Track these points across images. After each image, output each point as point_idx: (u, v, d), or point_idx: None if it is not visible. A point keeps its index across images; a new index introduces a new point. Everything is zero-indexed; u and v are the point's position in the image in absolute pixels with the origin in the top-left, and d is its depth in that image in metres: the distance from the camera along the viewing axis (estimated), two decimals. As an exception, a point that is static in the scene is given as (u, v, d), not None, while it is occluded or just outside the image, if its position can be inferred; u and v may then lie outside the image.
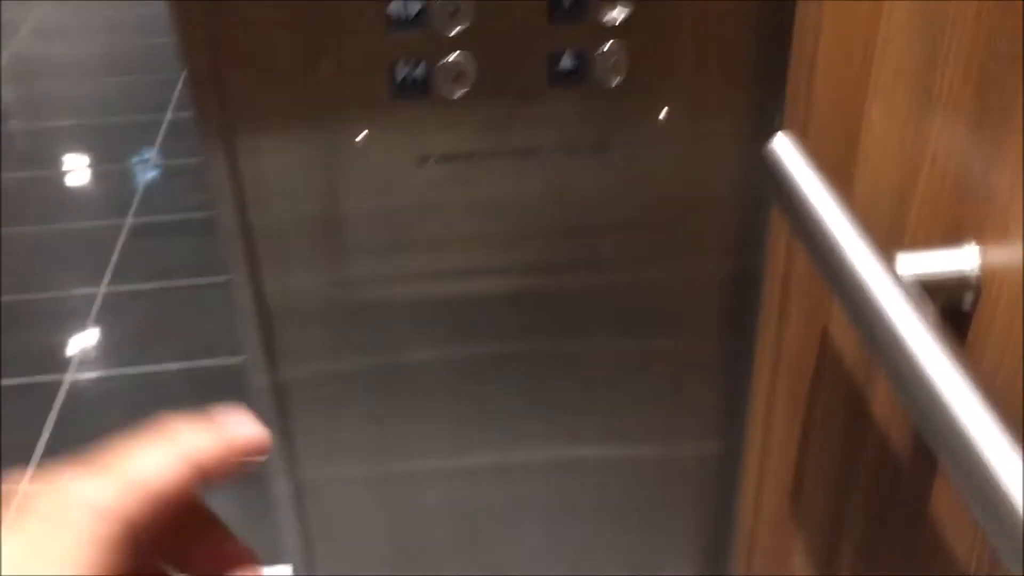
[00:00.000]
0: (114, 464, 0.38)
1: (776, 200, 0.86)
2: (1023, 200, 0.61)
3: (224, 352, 2.30)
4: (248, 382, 1.18)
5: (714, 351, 1.25)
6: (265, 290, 1.16)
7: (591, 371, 1.25)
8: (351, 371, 1.23)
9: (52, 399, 2.32)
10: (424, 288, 1.20)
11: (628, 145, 1.12)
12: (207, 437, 0.40)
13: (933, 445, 0.58)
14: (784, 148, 0.84)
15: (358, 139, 1.09)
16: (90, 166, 3.30)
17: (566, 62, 1.07)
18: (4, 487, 0.38)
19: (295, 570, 1.34)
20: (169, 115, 3.41)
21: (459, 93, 1.07)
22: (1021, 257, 0.61)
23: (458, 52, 1.05)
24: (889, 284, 0.67)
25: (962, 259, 0.68)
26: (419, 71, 1.06)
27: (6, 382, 2.32)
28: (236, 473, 0.40)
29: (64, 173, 3.23)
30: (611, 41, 1.06)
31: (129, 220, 2.92)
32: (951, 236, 0.70)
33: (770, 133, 1.11)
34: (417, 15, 1.03)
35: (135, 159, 3.16)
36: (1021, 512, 0.48)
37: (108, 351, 2.49)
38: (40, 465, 2.16)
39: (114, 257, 2.79)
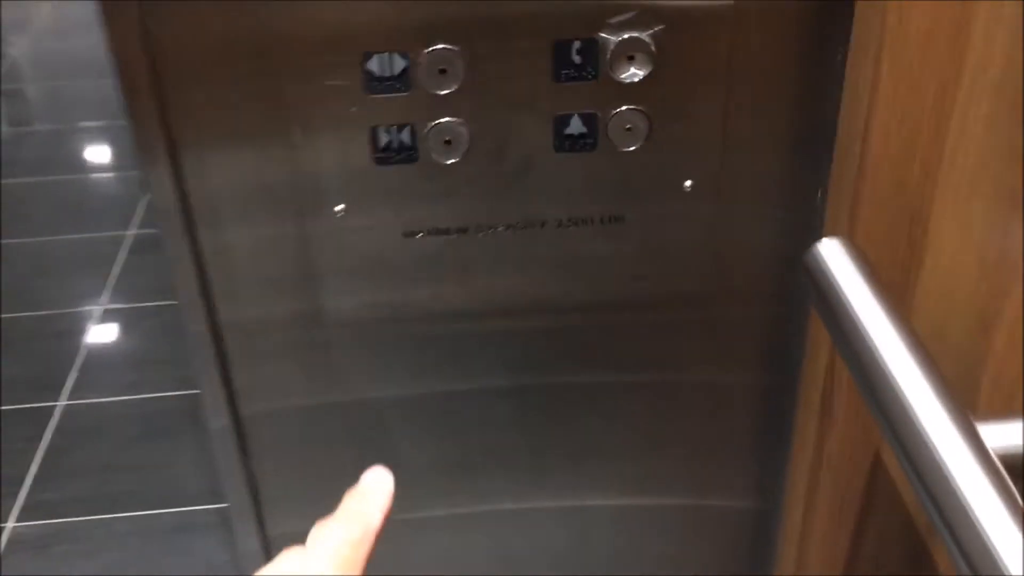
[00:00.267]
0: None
1: (823, 319, 0.70)
2: None
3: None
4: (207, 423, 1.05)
5: (748, 432, 1.10)
6: (231, 362, 1.02)
7: (612, 418, 1.11)
8: (321, 413, 1.09)
9: (44, 426, 2.20)
10: (413, 347, 1.06)
11: (647, 216, 0.97)
12: (369, 512, 0.45)
13: None
14: (832, 257, 0.68)
15: (337, 210, 0.95)
16: (94, 172, 3.18)
17: (575, 125, 0.92)
18: None
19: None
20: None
21: (451, 160, 0.92)
22: None
23: (449, 115, 0.91)
24: (973, 466, 0.52)
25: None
26: (405, 135, 0.91)
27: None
28: None
29: (66, 180, 3.12)
30: (628, 103, 0.91)
31: (132, 232, 2.80)
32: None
33: (810, 206, 0.96)
34: (401, 73, 0.88)
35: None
36: None
37: (103, 376, 2.37)
38: (29, 495, 2.05)
39: (115, 271, 2.67)
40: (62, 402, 2.28)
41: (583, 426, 1.08)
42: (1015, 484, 0.50)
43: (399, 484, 0.47)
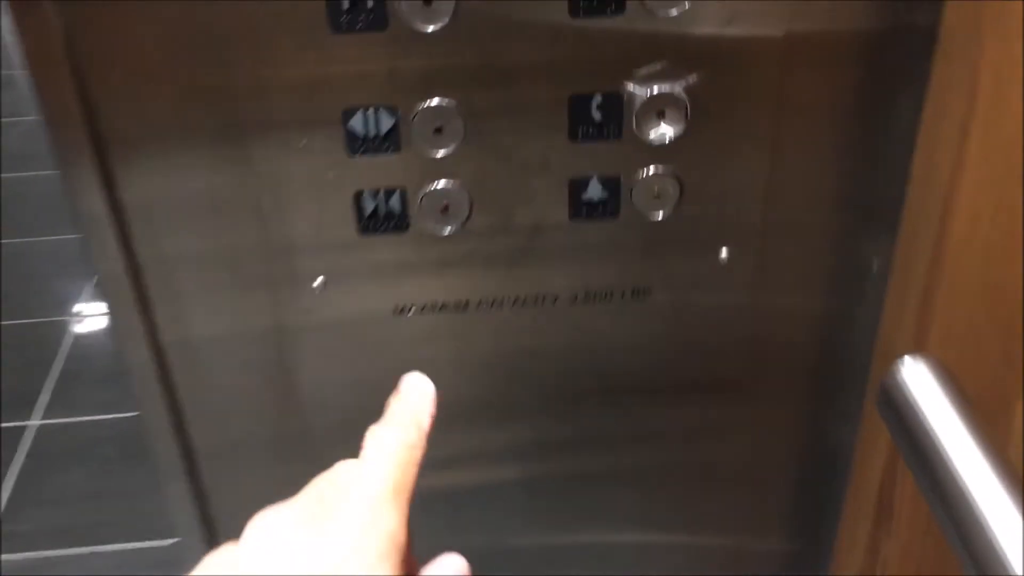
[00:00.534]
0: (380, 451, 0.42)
1: (903, 454, 0.57)
2: None
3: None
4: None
5: (782, 535, 0.97)
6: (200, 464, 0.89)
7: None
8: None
9: (16, 448, 2.07)
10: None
11: (675, 290, 0.84)
12: (419, 412, 0.45)
13: None
14: (917, 382, 0.55)
15: (315, 285, 0.81)
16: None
17: (594, 190, 0.78)
18: None
19: None
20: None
21: (448, 228, 0.78)
22: None
23: (446, 179, 0.77)
24: None
25: None
26: (394, 201, 0.78)
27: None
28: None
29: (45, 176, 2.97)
30: (656, 164, 0.77)
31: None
32: None
33: (864, 287, 0.83)
34: (389, 132, 0.74)
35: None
36: None
37: (81, 392, 2.24)
38: (1, 526, 1.92)
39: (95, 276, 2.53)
40: (35, 421, 2.15)
41: (597, 517, 0.95)
42: None
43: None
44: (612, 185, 0.78)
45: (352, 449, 0.46)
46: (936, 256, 0.70)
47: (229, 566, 0.38)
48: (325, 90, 0.73)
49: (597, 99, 0.74)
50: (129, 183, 0.75)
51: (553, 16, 0.70)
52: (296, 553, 0.37)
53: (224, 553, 0.39)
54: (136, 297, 0.79)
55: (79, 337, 2.40)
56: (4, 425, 2.15)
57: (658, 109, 0.75)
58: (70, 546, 1.89)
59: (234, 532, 0.42)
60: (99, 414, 2.16)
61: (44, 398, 2.21)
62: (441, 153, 0.76)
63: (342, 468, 0.42)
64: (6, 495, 1.99)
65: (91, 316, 2.44)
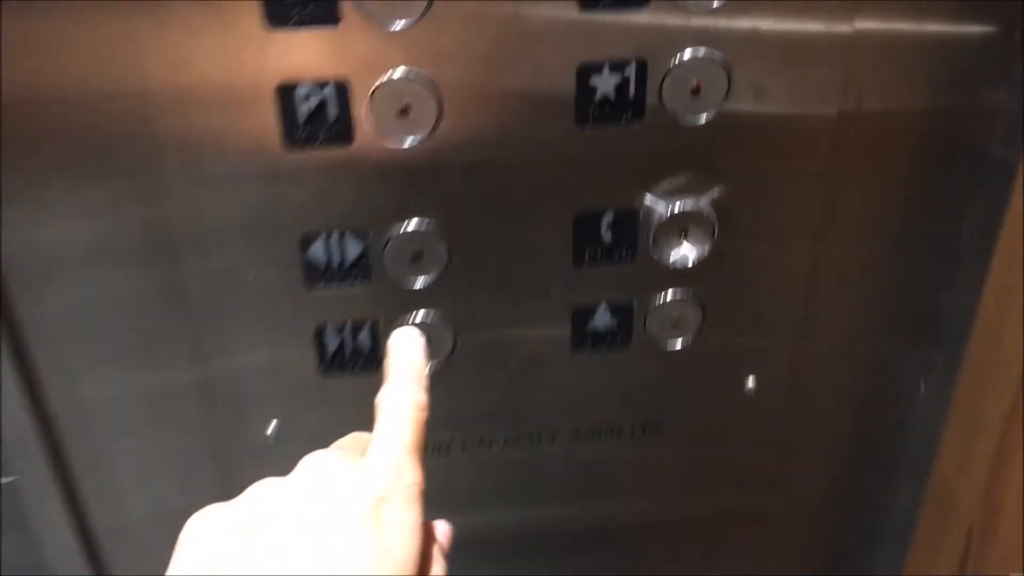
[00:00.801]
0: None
1: None
2: None
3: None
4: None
5: None
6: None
7: None
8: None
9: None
10: None
11: (693, 424, 0.71)
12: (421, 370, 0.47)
13: None
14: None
15: (268, 431, 0.67)
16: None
17: (602, 319, 0.65)
18: None
19: None
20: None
21: (428, 366, 0.64)
22: None
23: (425, 309, 0.64)
24: None
25: None
26: (363, 337, 0.64)
27: None
28: None
29: None
30: (676, 288, 0.64)
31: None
32: None
33: (907, 404, 0.71)
34: (356, 261, 0.61)
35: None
36: None
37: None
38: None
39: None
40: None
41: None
42: None
43: None
44: (623, 313, 0.66)
45: None
46: (1019, 407, 0.58)
47: (278, 495, 0.40)
48: (279, 213, 0.59)
49: (608, 217, 0.62)
50: (35, 316, 0.61)
51: (556, 125, 0.58)
52: (342, 484, 0.40)
53: (273, 483, 0.41)
54: (46, 450, 0.65)
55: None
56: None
57: (680, 228, 0.62)
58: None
59: None
60: None
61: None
62: (420, 283, 0.62)
63: (355, 438, 0.46)
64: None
65: None
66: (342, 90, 0.55)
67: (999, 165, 0.59)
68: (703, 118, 0.58)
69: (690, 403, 0.71)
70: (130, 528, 0.70)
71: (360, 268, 0.62)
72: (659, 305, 0.65)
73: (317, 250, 0.61)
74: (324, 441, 0.62)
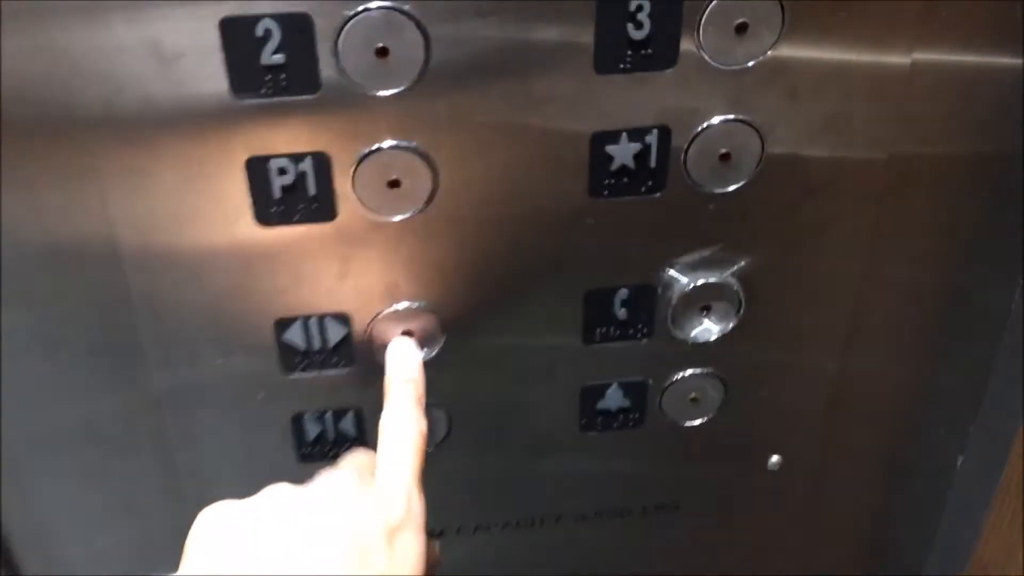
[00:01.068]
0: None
1: None
2: None
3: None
4: None
5: None
6: None
7: None
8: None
9: None
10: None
11: (711, 504, 0.65)
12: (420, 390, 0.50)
13: None
14: None
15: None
16: None
17: (613, 399, 0.59)
18: None
19: None
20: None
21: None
22: None
23: (418, 394, 0.56)
24: None
25: None
26: (347, 423, 0.57)
27: None
28: None
29: None
30: (695, 367, 0.58)
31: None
32: None
33: (942, 483, 0.65)
34: (338, 345, 0.54)
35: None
36: None
37: None
38: None
39: None
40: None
41: None
42: None
43: None
44: (637, 392, 0.59)
45: None
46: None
47: (295, 501, 0.42)
48: (251, 296, 0.52)
49: (622, 294, 0.55)
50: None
51: (566, 196, 0.51)
52: (360, 506, 0.42)
53: (289, 489, 0.43)
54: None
55: None
56: None
57: (703, 303, 0.55)
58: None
59: None
60: None
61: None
62: (411, 366, 0.55)
63: (355, 459, 0.48)
64: None
65: None
66: (322, 163, 0.48)
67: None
68: (733, 188, 0.51)
69: (707, 482, 0.64)
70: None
71: (342, 353, 0.55)
72: (676, 383, 0.59)
73: (294, 335, 0.54)
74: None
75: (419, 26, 0.44)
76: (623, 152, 0.49)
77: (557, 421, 0.60)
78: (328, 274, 0.52)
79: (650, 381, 0.59)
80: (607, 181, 0.50)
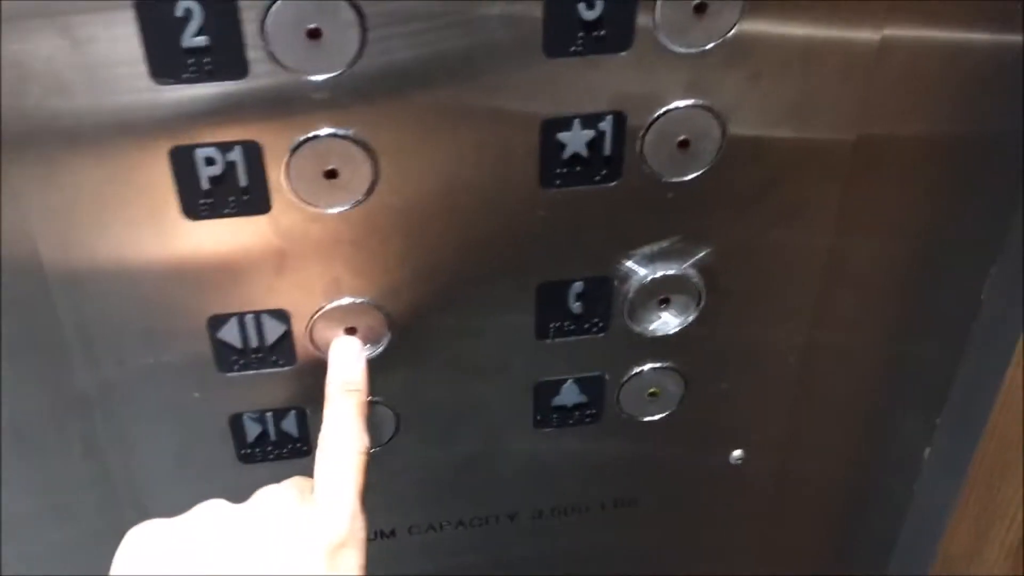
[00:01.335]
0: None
1: None
2: None
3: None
4: None
5: None
6: None
7: None
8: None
9: None
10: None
11: (670, 500, 0.63)
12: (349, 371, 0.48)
13: None
14: None
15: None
16: None
17: (569, 395, 0.56)
18: None
19: None
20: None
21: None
22: None
23: (363, 392, 0.53)
24: None
25: None
26: (288, 423, 0.54)
27: None
28: None
29: None
30: (654, 361, 0.55)
31: None
32: None
33: (909, 474, 0.63)
34: (277, 342, 0.51)
35: None
36: None
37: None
38: None
39: None
40: None
41: None
42: None
43: None
44: (593, 387, 0.57)
45: None
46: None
47: (230, 519, 0.41)
48: (182, 292, 0.49)
49: (577, 287, 0.52)
50: None
51: (515, 186, 0.48)
52: (302, 522, 0.41)
53: (223, 506, 0.42)
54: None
55: None
56: None
57: (661, 295, 0.53)
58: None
59: None
60: None
61: None
62: (355, 362, 0.52)
63: (298, 483, 0.45)
64: None
65: None
66: (253, 152, 0.44)
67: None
68: (691, 176, 0.48)
69: (667, 477, 0.62)
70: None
71: (282, 351, 0.52)
72: (634, 377, 0.56)
73: (229, 333, 0.51)
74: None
75: (353, 5, 0.41)
76: (576, 139, 0.46)
77: (511, 418, 0.58)
78: (264, 269, 0.49)
79: (607, 376, 0.56)
80: (559, 170, 0.48)
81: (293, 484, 0.45)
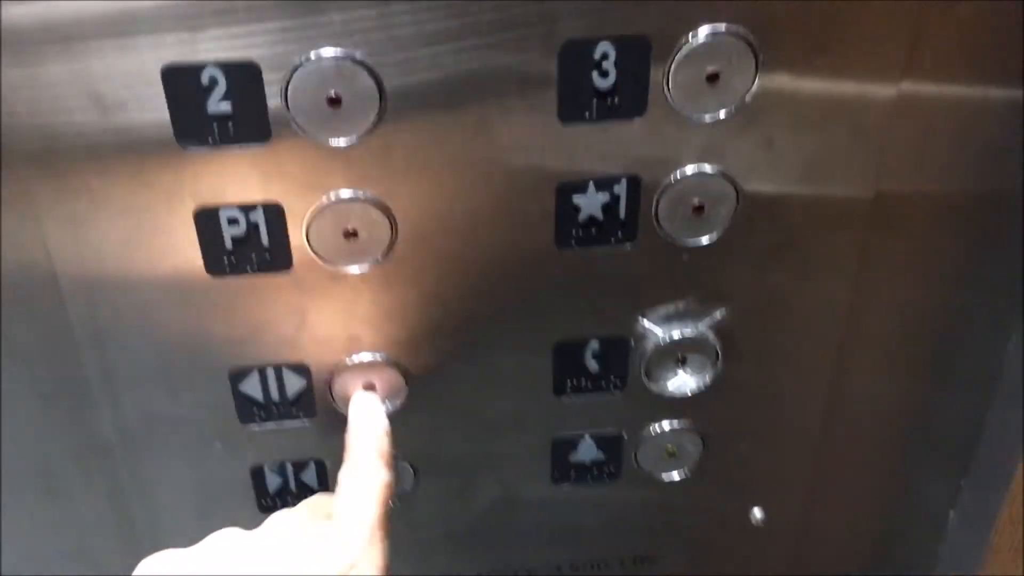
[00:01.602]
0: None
1: None
2: None
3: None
4: None
5: None
6: None
7: None
8: None
9: None
10: None
11: (690, 558, 0.62)
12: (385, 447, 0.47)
13: None
14: None
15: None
16: None
17: (586, 452, 0.56)
18: None
19: None
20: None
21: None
22: None
23: (382, 446, 0.54)
24: None
25: None
26: (308, 475, 0.55)
27: None
28: None
29: None
30: (672, 419, 0.55)
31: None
32: None
33: (934, 539, 0.62)
34: (298, 397, 0.52)
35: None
36: None
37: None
38: None
39: None
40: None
41: None
42: None
43: None
44: (611, 445, 0.57)
45: None
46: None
47: (243, 547, 0.41)
48: (204, 345, 0.50)
49: (593, 346, 0.52)
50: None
51: (532, 247, 0.48)
52: (315, 547, 0.41)
53: (237, 534, 0.42)
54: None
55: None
56: None
57: (678, 355, 0.53)
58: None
59: None
60: None
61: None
62: (374, 416, 0.53)
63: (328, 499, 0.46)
64: None
65: None
66: (275, 213, 0.46)
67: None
68: (706, 239, 0.49)
69: (686, 536, 0.62)
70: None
71: (302, 404, 0.53)
72: (652, 435, 0.56)
73: (250, 386, 0.52)
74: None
75: (372, 74, 0.42)
76: (591, 202, 0.47)
77: (528, 473, 0.58)
78: (285, 324, 0.50)
79: (624, 433, 0.57)
80: (575, 231, 0.48)
81: (306, 506, 0.46)
